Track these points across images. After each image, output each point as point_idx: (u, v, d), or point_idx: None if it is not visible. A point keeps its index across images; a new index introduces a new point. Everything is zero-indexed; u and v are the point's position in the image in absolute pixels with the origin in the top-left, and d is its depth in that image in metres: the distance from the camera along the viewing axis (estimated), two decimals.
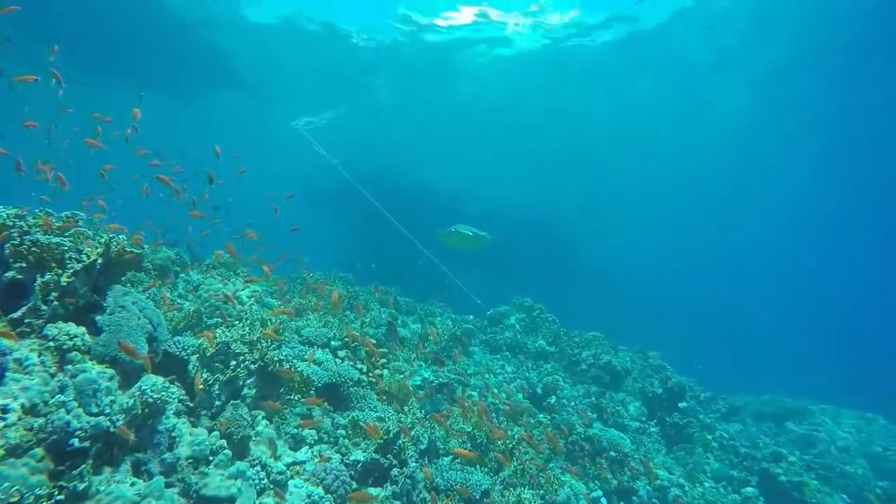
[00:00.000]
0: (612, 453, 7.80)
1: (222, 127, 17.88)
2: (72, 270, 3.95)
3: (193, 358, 4.57)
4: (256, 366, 4.84)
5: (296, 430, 4.93)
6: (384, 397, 6.34)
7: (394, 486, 4.65)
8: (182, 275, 8.68)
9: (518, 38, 18.38)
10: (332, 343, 6.82)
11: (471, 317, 11.84)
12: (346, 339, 6.72)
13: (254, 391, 4.83)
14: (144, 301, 4.34)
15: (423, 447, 5.55)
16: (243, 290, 8.51)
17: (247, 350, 4.80)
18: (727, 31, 17.29)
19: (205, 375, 4.39)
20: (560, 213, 26.68)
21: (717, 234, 37.49)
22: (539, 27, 17.78)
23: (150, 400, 3.63)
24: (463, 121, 23.34)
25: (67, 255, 4.04)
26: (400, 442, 4.84)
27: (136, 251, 4.43)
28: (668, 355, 14.15)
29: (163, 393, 3.72)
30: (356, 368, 6.41)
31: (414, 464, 4.88)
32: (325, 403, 5.50)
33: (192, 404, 4.29)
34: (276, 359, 4.83)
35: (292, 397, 5.06)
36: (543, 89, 20.88)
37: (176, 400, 4.06)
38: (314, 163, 14.65)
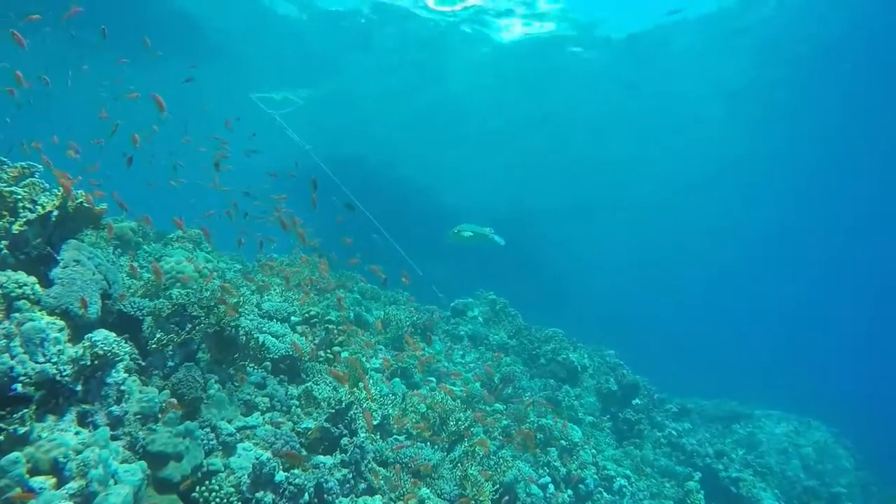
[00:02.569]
0: (563, 442, 8.01)
1: (192, 99, 17.30)
2: (24, 220, 3.90)
3: (148, 319, 4.55)
4: (213, 330, 4.84)
5: (249, 397, 4.96)
6: (340, 374, 6.39)
7: (343, 454, 4.72)
8: (144, 246, 8.56)
9: (504, 31, 18.43)
10: (293, 318, 6.84)
11: (433, 307, 11.95)
12: (307, 315, 6.74)
13: (208, 355, 4.83)
14: (101, 258, 4.31)
15: (375, 422, 5.63)
16: (206, 263, 8.44)
17: (203, 314, 4.79)
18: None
19: (158, 335, 4.37)
20: (530, 212, 27.04)
21: (681, 239, 38.63)
22: (533, 20, 17.85)
23: (101, 352, 3.62)
24: (440, 113, 23.38)
25: (21, 205, 3.99)
26: (351, 413, 4.91)
27: (96, 207, 4.40)
28: (626, 356, 14.55)
29: (114, 346, 3.71)
30: (314, 344, 6.46)
31: (364, 434, 4.96)
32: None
33: (143, 363, 4.29)
34: (232, 324, 4.84)
35: (247, 364, 5.08)
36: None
37: (128, 357, 4.05)
38: (288, 144, 14.46)
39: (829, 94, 20.22)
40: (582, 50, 19.12)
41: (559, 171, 28.72)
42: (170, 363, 4.40)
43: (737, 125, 23.01)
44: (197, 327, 4.61)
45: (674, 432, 10.96)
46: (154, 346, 4.30)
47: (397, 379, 8.00)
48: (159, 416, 3.89)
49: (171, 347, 4.42)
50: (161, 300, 4.71)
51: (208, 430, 4.22)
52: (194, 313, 4.70)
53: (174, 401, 4.07)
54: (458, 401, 7.95)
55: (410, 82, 21.28)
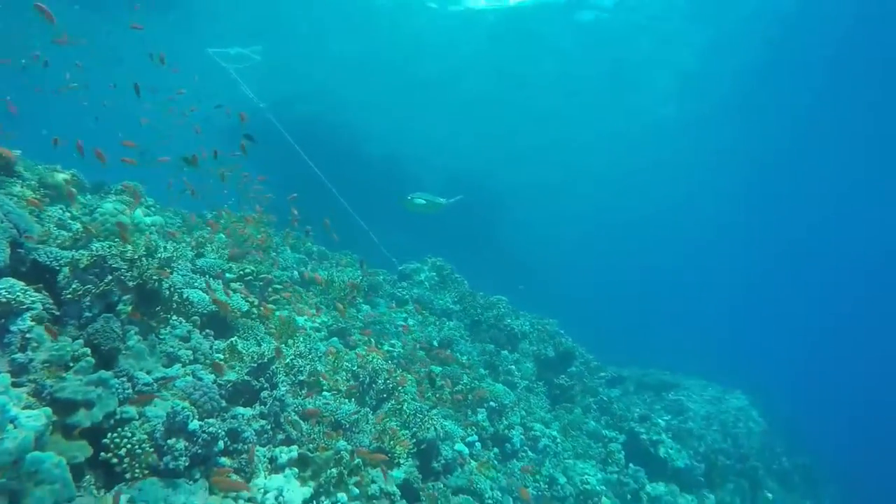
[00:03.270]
0: (492, 403, 8.40)
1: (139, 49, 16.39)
2: None
3: (66, 269, 4.54)
4: (135, 283, 4.86)
5: (172, 349, 5.03)
6: (273, 331, 6.52)
7: (262, 406, 4.89)
8: (79, 197, 8.35)
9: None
10: (228, 275, 6.87)
11: (382, 271, 12.11)
12: (241, 273, 6.79)
13: (130, 308, 4.86)
14: (11, 205, 4.25)
15: (301, 378, 5.81)
16: (144, 217, 8.31)
17: (125, 266, 4.80)
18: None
19: (74, 285, 4.38)
20: (490, 185, 27.28)
21: (632, 217, 39.92)
22: None
23: (4, 300, 3.64)
24: (402, 79, 23.08)
25: None
26: (273, 367, 5.06)
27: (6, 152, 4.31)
28: (573, 328, 15.14)
29: (19, 295, 3.72)
30: (247, 301, 6.54)
31: (285, 388, 5.13)
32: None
33: (58, 313, 4.30)
34: (154, 278, 4.87)
35: (171, 317, 5.14)
36: None
37: (40, 306, 4.07)
38: (243, 102, 14.06)
39: (782, 85, 20.91)
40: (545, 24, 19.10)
41: (521, 146, 29.01)
42: (87, 314, 4.42)
43: (690, 109, 23.61)
44: (117, 279, 4.63)
45: (605, 398, 11.56)
46: (69, 295, 4.31)
47: (335, 338, 8.19)
48: (71, 364, 3.94)
49: (88, 298, 4.44)
50: (80, 251, 4.69)
51: (124, 379, 4.30)
52: (115, 265, 4.71)
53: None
54: (394, 362, 8.23)
55: (373, 46, 20.84)
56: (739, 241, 42.72)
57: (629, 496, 9.11)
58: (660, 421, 11.84)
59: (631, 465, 9.54)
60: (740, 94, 21.77)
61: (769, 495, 11.83)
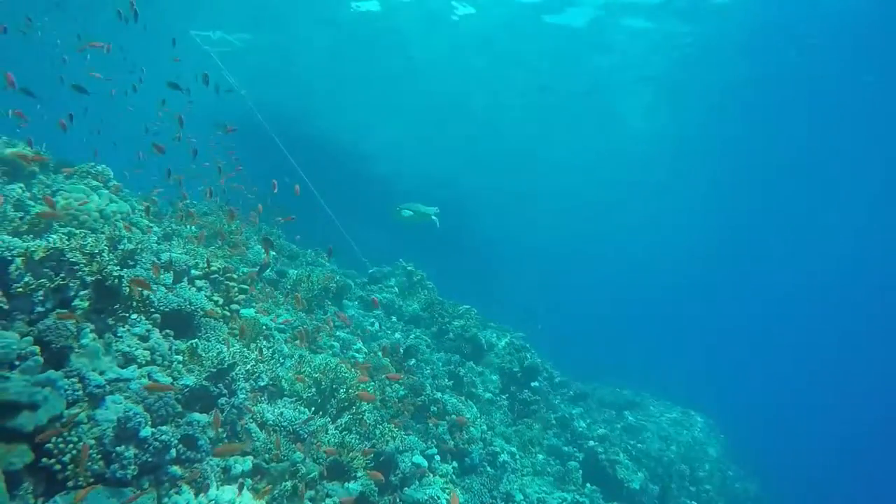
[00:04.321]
0: (453, 417, 8.36)
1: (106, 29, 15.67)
2: None
3: (18, 260, 4.33)
4: (93, 279, 4.67)
5: (128, 349, 4.85)
6: (237, 332, 6.35)
7: (220, 413, 4.75)
8: (40, 176, 8.02)
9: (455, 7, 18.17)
10: (192, 272, 6.68)
11: (353, 272, 11.99)
12: (208, 270, 6.61)
13: (87, 304, 4.67)
14: None
15: (262, 383, 5.68)
16: (110, 204, 8.03)
17: (84, 261, 4.61)
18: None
19: (26, 279, 4.17)
20: (465, 192, 27.40)
21: (607, 232, 40.65)
22: None
23: None
24: (384, 82, 22.98)
25: None
26: (233, 373, 4.92)
27: None
28: (543, 342, 15.27)
29: None
30: (211, 300, 6.36)
31: (243, 395, 5.00)
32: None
33: (6, 307, 4.09)
34: (115, 274, 4.68)
35: (129, 316, 4.95)
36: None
37: None
38: (219, 88, 13.72)
39: (759, 100, 21.46)
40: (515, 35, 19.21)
41: (494, 154, 29.27)
42: (39, 309, 4.22)
43: (664, 123, 24.14)
44: (74, 274, 4.43)
45: (566, 415, 11.65)
46: (20, 289, 4.11)
47: (299, 341, 8.03)
48: (17, 362, 3.75)
49: (41, 293, 4.24)
50: (35, 241, 4.48)
51: (75, 380, 4.12)
52: (73, 259, 4.51)
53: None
54: (358, 370, 8.13)
55: (354, 46, 20.67)
56: (709, 259, 43.78)
57: None
58: (618, 441, 12.02)
59: (588, 484, 9.62)
60: (717, 108, 22.31)
61: None
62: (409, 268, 12.26)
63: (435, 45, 20.26)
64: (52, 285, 4.29)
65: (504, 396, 10.93)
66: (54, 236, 4.64)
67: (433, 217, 11.95)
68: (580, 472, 9.87)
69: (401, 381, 8.57)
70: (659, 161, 27.49)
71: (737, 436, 16.11)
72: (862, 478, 28.23)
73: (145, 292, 5.07)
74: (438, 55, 20.95)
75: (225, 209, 9.89)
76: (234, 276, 6.87)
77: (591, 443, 10.82)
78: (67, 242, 4.52)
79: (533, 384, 11.66)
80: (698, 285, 47.29)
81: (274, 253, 10.46)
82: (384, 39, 20.17)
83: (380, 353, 8.55)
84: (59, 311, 4.23)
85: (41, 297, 4.26)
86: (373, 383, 7.79)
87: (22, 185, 7.39)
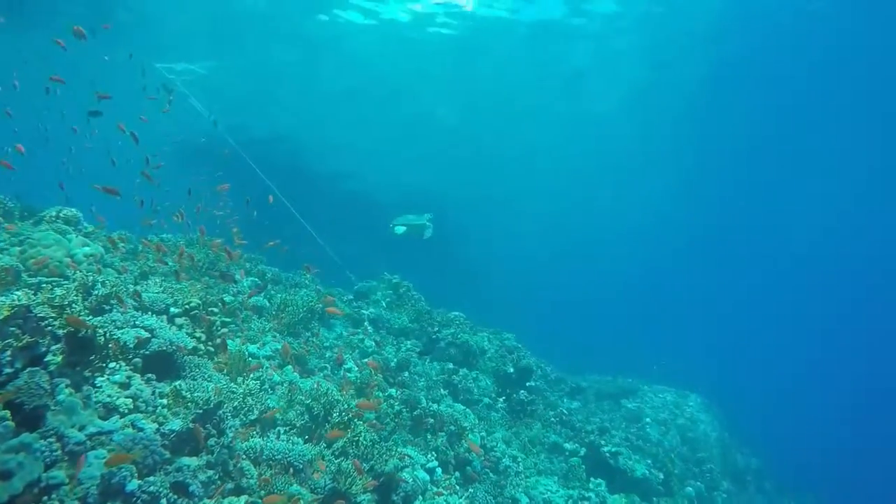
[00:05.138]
0: (451, 427, 8.31)
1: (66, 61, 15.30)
2: None
3: None
4: (65, 331, 4.54)
5: (109, 399, 4.72)
6: (223, 367, 6.24)
7: (209, 455, 4.64)
8: (5, 225, 7.83)
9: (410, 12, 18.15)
10: (172, 310, 6.54)
11: (339, 290, 11.88)
12: (187, 307, 6.48)
13: (60, 358, 4.54)
14: None
15: (252, 417, 5.57)
16: (81, 248, 7.86)
17: (54, 314, 4.48)
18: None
19: None
20: (445, 199, 27.39)
21: (586, 229, 40.96)
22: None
23: None
24: (356, 97, 22.89)
25: None
26: (220, 412, 4.82)
27: None
28: (536, 340, 15.24)
29: None
30: (194, 337, 6.23)
31: (231, 434, 4.89)
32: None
33: None
34: (89, 323, 4.56)
35: (107, 364, 4.83)
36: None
37: None
38: (186, 117, 13.59)
39: (736, 98, 21.81)
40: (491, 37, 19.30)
41: (473, 161, 29.33)
42: (7, 370, 4.09)
43: (644, 121, 24.38)
44: (44, 329, 4.31)
45: (564, 411, 11.65)
46: None
47: (289, 367, 7.93)
48: None
49: (9, 353, 4.10)
50: None
51: (53, 439, 3.99)
52: (41, 314, 4.38)
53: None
54: (352, 388, 8.04)
55: (323, 62, 20.58)
56: (693, 248, 44.37)
57: None
58: (618, 431, 12.06)
59: (592, 479, 9.62)
60: (696, 106, 22.59)
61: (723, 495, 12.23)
62: (394, 280, 12.18)
63: (402, 56, 20.26)
64: (21, 344, 4.15)
65: (501, 399, 10.90)
66: (18, 292, 4.51)
67: (427, 224, 12.29)
68: (583, 467, 9.87)
69: (396, 394, 8.52)
70: (642, 145, 27.59)
71: (733, 414, 16.28)
72: (861, 448, 28.81)
73: (122, 338, 4.94)
74: (405, 66, 20.95)
75: (196, 240, 9.77)
76: (216, 308, 6.75)
77: (592, 436, 10.83)
78: (33, 297, 4.39)
79: (528, 384, 11.65)
80: (685, 269, 47.83)
81: (255, 279, 10.32)
82: (352, 52, 20.11)
83: (371, 371, 8.47)
84: (30, 369, 4.10)
85: (9, 358, 4.12)
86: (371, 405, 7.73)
87: None
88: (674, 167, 29.56)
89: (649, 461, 10.60)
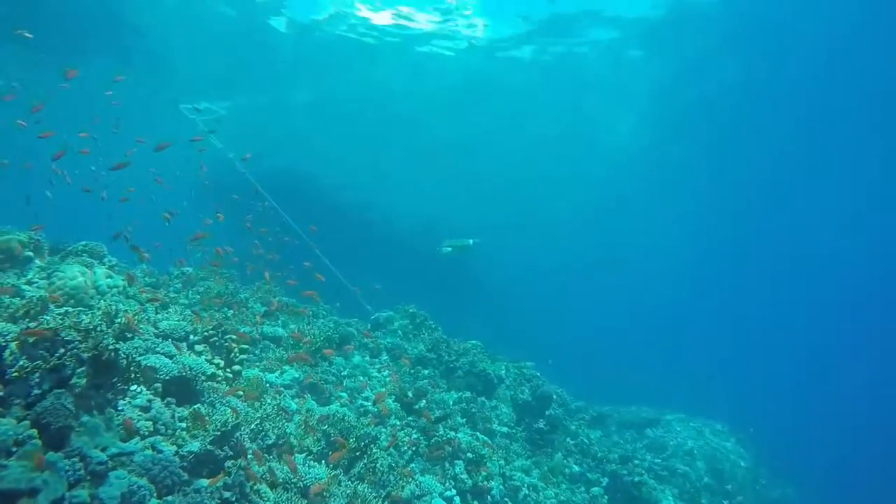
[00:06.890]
0: (469, 455, 8.19)
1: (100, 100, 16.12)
2: None
3: (13, 345, 4.34)
4: (89, 355, 4.67)
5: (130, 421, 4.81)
6: (240, 393, 6.30)
7: (226, 476, 4.67)
8: (36, 261, 8.12)
9: (433, 41, 18.75)
10: (192, 337, 6.68)
11: (355, 320, 11.95)
12: (207, 334, 6.60)
13: (84, 380, 4.66)
14: None
15: (269, 442, 5.60)
16: (105, 279, 8.10)
17: (80, 338, 4.62)
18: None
19: (21, 362, 4.18)
20: (457, 223, 27.60)
21: (602, 253, 40.69)
22: (459, 36, 18.28)
23: None
24: (372, 127, 23.51)
25: None
26: (238, 435, 4.87)
27: None
28: (558, 368, 15.05)
29: None
30: (213, 363, 6.33)
31: (251, 456, 4.92)
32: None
33: (1, 393, 4.08)
34: (110, 347, 4.69)
35: (129, 388, 4.93)
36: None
37: None
38: (207, 154, 14.05)
39: (749, 120, 21.84)
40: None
41: (487, 188, 29.62)
42: (35, 391, 4.21)
43: (656, 144, 24.49)
44: (69, 352, 4.44)
45: (585, 440, 11.39)
46: (16, 374, 4.11)
47: (309, 395, 7.96)
48: (14, 448, 3.72)
49: (37, 375, 4.23)
50: (27, 325, 4.51)
51: (76, 459, 4.07)
52: (68, 338, 4.53)
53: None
54: (369, 416, 8.01)
55: (334, 94, 21.28)
56: (712, 273, 43.71)
57: None
58: (642, 460, 11.72)
59: None
60: (706, 127, 22.66)
61: None
62: (411, 310, 12.24)
63: (419, 86, 20.86)
64: (48, 366, 4.29)
65: (520, 428, 10.72)
66: (47, 317, 4.68)
67: (471, 243, 13.29)
68: (605, 497, 9.60)
69: (414, 422, 8.46)
70: (653, 169, 27.58)
71: (761, 442, 15.70)
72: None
73: (143, 362, 5.06)
74: (422, 96, 21.52)
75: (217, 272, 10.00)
76: (234, 336, 6.87)
77: (614, 466, 10.55)
78: (61, 321, 4.55)
79: (548, 412, 11.45)
80: (703, 295, 46.97)
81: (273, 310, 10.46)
82: (366, 84, 20.77)
83: (390, 399, 8.45)
84: (56, 391, 4.22)
85: (37, 379, 4.25)
86: (385, 430, 7.71)
87: (17, 271, 7.49)
88: (697, 183, 29.14)
89: (676, 491, 10.26)
